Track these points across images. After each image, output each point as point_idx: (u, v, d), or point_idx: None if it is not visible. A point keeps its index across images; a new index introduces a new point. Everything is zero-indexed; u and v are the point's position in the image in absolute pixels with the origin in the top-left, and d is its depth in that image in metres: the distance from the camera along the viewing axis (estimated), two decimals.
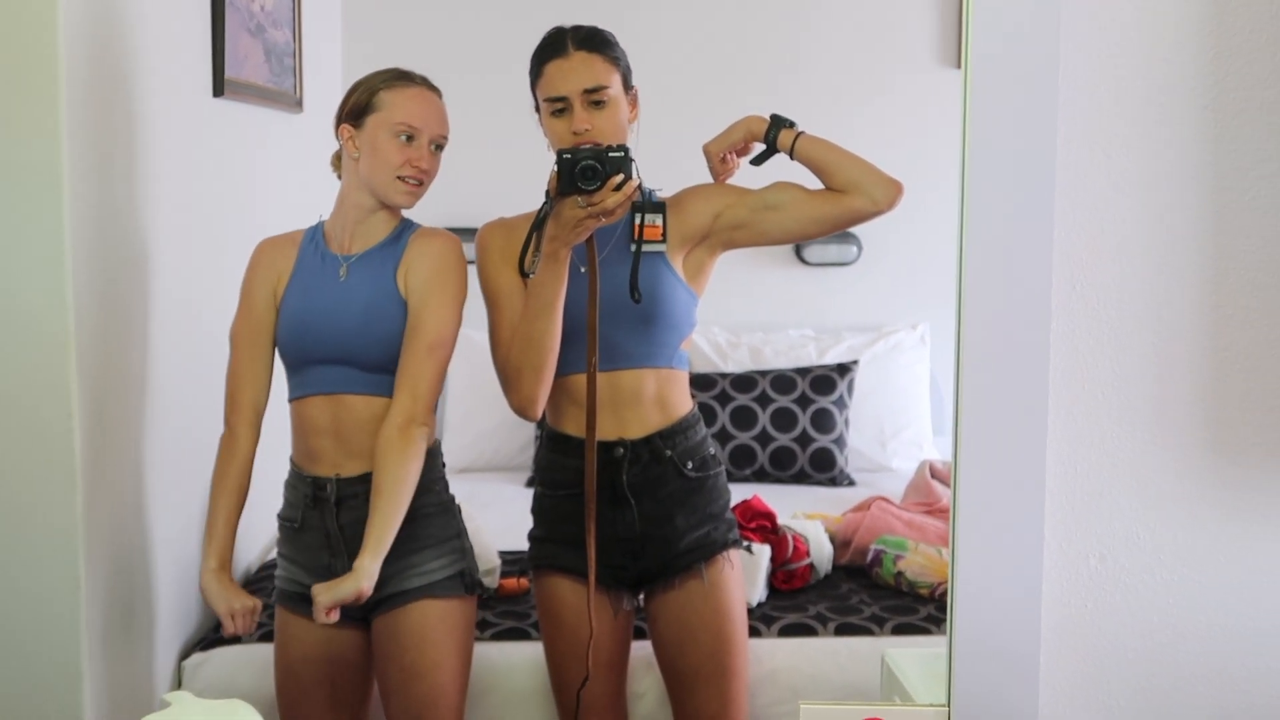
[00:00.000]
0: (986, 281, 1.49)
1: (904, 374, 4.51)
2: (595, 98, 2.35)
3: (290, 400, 2.46)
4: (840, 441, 4.23)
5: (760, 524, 3.16)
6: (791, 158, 2.41)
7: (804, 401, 4.25)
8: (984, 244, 1.48)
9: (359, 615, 2.43)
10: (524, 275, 2.35)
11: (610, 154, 2.22)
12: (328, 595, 2.26)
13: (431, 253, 2.41)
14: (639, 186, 2.26)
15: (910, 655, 1.90)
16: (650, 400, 2.45)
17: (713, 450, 2.54)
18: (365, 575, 2.27)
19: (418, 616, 2.41)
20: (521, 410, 2.40)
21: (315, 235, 2.48)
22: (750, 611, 2.96)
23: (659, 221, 2.41)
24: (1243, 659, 1.65)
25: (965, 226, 1.49)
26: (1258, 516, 1.64)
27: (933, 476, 3.61)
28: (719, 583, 2.47)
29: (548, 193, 2.27)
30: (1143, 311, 1.59)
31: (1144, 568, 1.63)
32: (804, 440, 4.20)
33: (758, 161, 2.47)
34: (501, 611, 3.03)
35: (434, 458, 2.45)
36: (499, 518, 3.46)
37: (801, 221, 2.41)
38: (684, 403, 2.50)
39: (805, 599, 3.07)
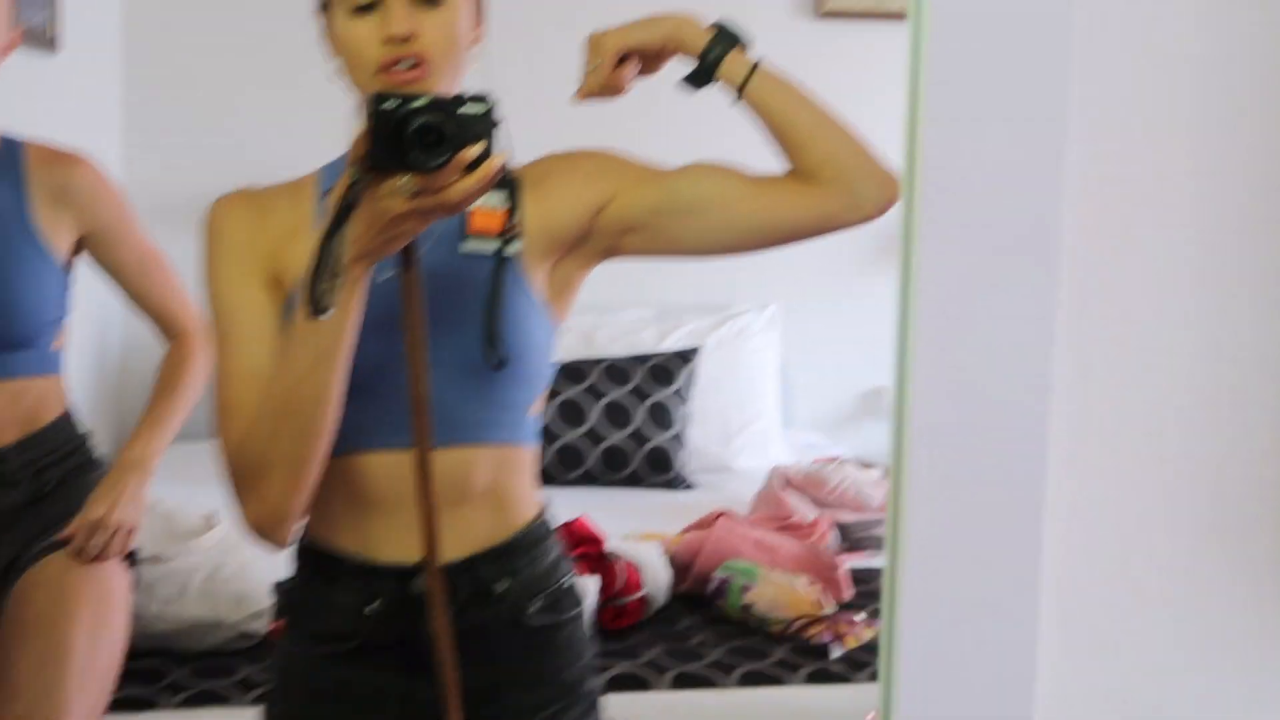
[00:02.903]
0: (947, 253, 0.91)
1: (751, 361, 4.07)
2: None
3: None
4: (679, 439, 3.77)
5: (585, 551, 2.68)
6: (739, 97, 1.53)
7: (640, 394, 3.78)
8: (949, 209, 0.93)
9: None
10: (316, 308, 1.33)
11: (464, 108, 1.30)
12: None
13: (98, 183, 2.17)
14: (505, 165, 1.35)
15: None
16: (479, 497, 1.53)
17: (567, 581, 1.61)
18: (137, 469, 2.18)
19: (56, 569, 2.12)
20: (266, 527, 1.45)
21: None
22: None
23: (505, 204, 1.47)
24: None
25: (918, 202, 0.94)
26: None
27: (785, 486, 3.18)
28: None
29: (351, 165, 1.30)
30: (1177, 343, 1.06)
31: None
32: (639, 438, 3.73)
33: (692, 84, 1.57)
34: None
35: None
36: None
37: (737, 230, 1.54)
38: (529, 502, 1.58)
39: (637, 641, 2.60)
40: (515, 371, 1.49)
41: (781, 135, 1.52)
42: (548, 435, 3.69)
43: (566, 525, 2.72)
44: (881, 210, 1.50)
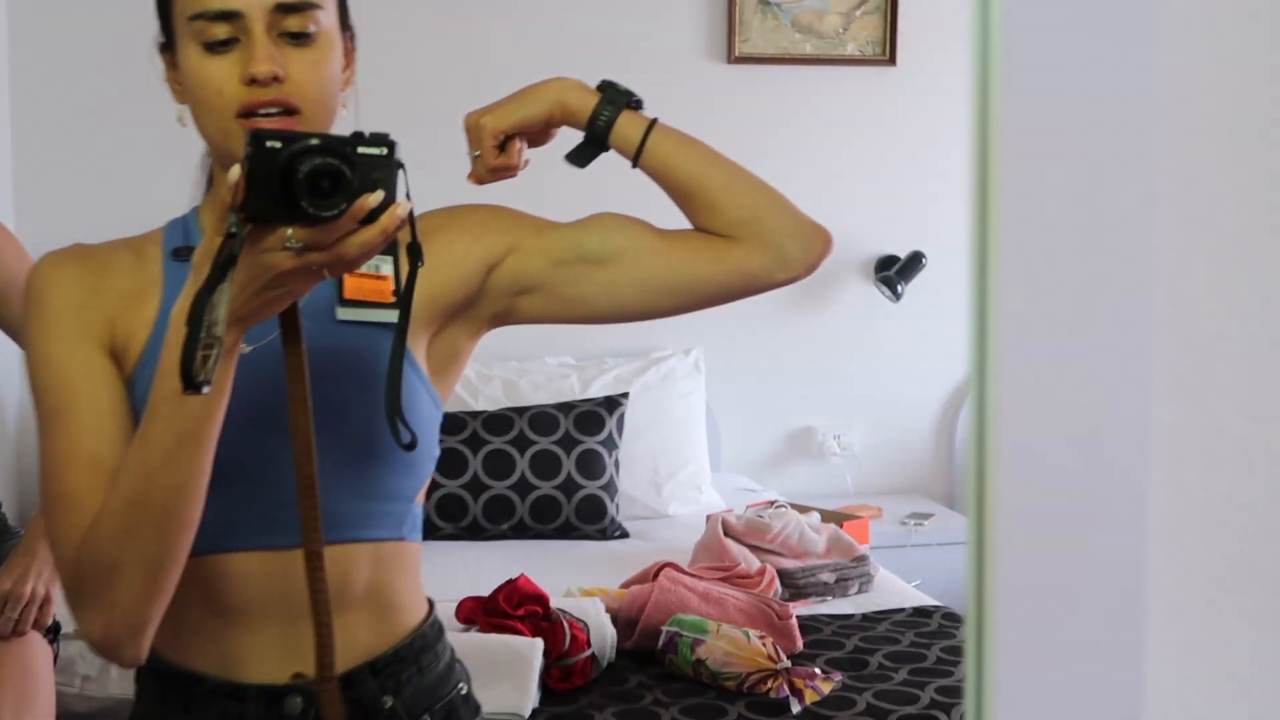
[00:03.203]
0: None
1: (678, 406, 4.00)
2: (297, 22, 1.26)
3: None
4: (610, 487, 3.69)
5: (530, 610, 2.58)
6: (635, 164, 1.39)
7: (568, 442, 3.69)
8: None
9: None
10: (190, 384, 1.08)
11: (362, 148, 1.11)
12: None
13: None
14: (411, 216, 1.17)
15: None
16: (359, 602, 1.34)
17: (463, 687, 1.45)
18: None
19: None
20: (115, 640, 1.22)
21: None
22: None
23: (388, 269, 1.33)
24: None
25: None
26: None
27: (726, 535, 3.10)
28: None
29: (228, 213, 1.09)
30: None
31: None
32: (569, 488, 3.64)
33: (577, 161, 1.43)
34: None
35: None
36: None
37: (649, 289, 1.37)
38: (416, 604, 1.42)
39: (588, 703, 2.50)
40: (403, 457, 1.30)
41: (689, 197, 1.37)
42: (476, 486, 3.59)
43: (510, 583, 2.62)
44: (812, 267, 1.37)
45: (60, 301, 1.28)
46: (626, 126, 1.37)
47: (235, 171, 1.07)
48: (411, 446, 1.21)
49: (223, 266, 1.08)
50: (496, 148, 1.39)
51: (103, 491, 1.20)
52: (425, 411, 1.35)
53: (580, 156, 1.42)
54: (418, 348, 1.37)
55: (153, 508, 1.17)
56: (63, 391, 1.25)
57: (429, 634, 1.41)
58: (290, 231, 1.08)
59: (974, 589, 0.73)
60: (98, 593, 1.19)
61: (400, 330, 1.20)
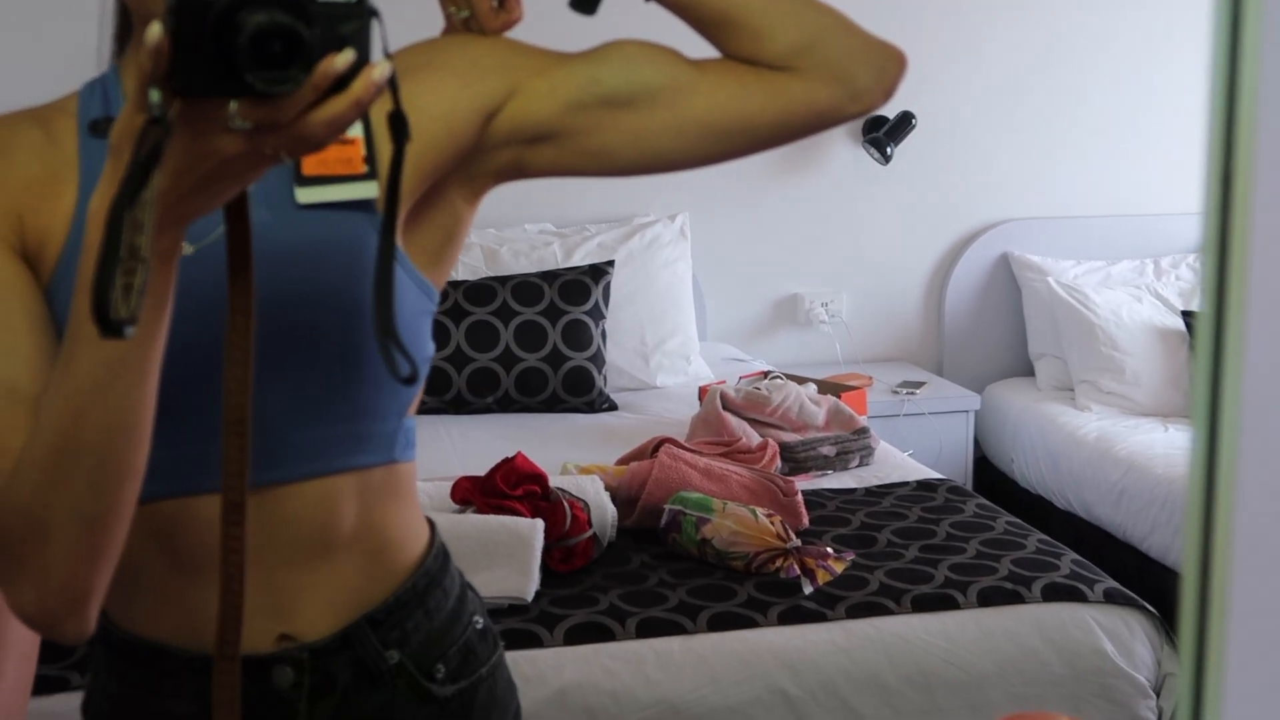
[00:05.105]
0: None
1: (664, 274, 3.88)
2: None
3: None
4: (598, 358, 3.58)
5: (529, 490, 2.48)
6: None
7: (553, 312, 3.56)
8: None
9: None
10: (107, 325, 0.78)
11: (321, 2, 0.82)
12: None
13: None
14: (393, 80, 0.84)
15: None
16: (348, 544, 1.13)
17: (479, 620, 1.24)
18: None
19: None
20: (52, 613, 0.97)
21: None
22: (525, 609, 2.29)
23: (356, 131, 0.99)
24: None
25: None
26: None
27: (725, 408, 3.00)
28: None
29: (147, 89, 0.79)
30: None
31: None
32: (555, 359, 3.53)
33: (583, 5, 1.16)
34: None
35: None
36: None
37: (688, 135, 1.10)
38: (415, 533, 1.20)
39: (591, 585, 2.42)
40: (377, 366, 1.02)
41: (726, 27, 1.09)
42: (459, 359, 3.48)
43: (507, 461, 2.52)
44: (889, 94, 1.12)
45: None
46: None
47: (155, 31, 0.77)
48: (412, 379, 0.91)
49: (144, 166, 0.80)
50: (494, 3, 1.13)
51: (24, 431, 0.95)
52: (408, 306, 1.10)
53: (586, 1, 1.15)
54: (400, 223, 1.10)
55: (84, 453, 0.91)
56: None
57: (433, 567, 1.19)
58: (234, 106, 0.80)
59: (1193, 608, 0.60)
60: (24, 556, 0.95)
61: (387, 225, 0.90)
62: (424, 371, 1.11)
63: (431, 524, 1.24)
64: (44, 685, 2.02)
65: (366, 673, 1.14)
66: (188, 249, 0.99)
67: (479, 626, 1.23)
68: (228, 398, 0.93)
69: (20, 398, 0.96)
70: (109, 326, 0.79)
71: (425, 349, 1.14)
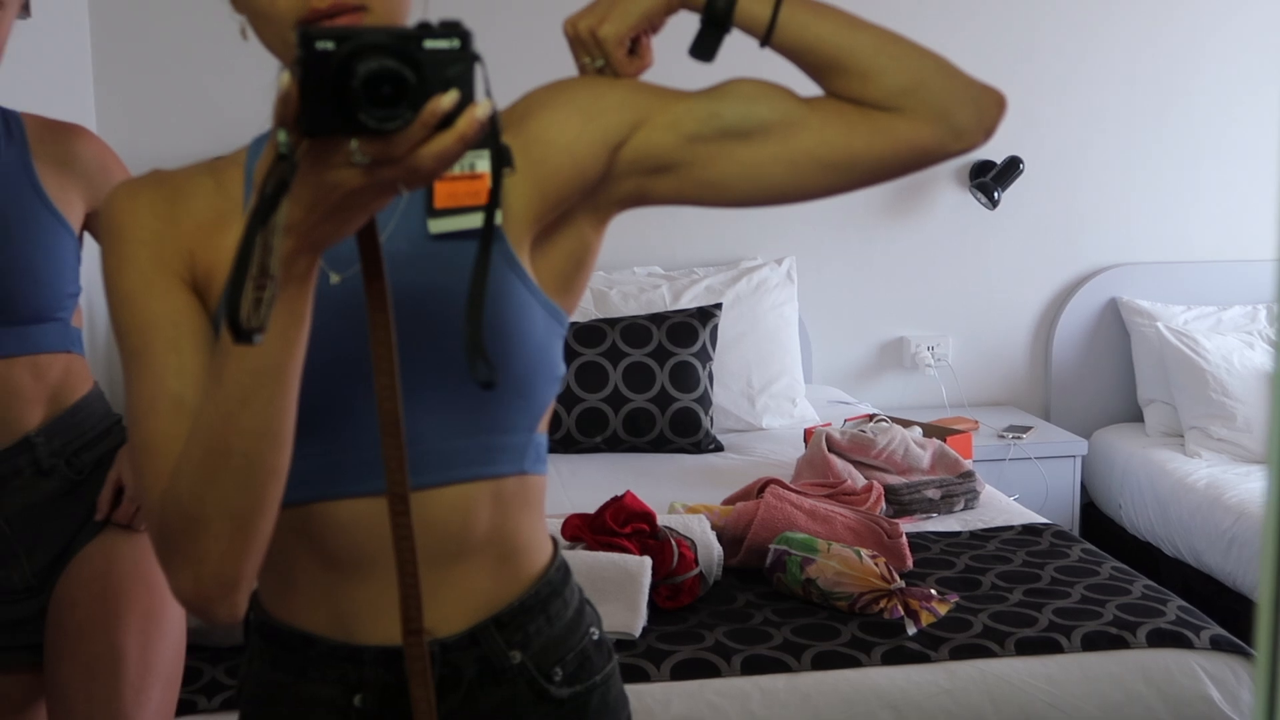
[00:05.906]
0: None
1: (771, 317, 3.93)
2: None
3: None
4: (705, 400, 3.64)
5: (637, 528, 2.54)
6: (766, 43, 1.20)
7: (661, 354, 3.63)
8: None
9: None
10: (240, 333, 0.93)
11: (429, 44, 0.93)
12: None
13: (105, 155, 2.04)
14: (494, 117, 0.96)
15: None
16: (480, 549, 1.22)
17: (594, 632, 1.32)
18: None
19: (99, 565, 1.96)
20: (206, 597, 1.09)
21: None
22: (633, 645, 2.35)
23: (484, 166, 1.13)
24: None
25: None
26: None
27: (830, 450, 3.04)
28: None
29: (280, 132, 0.93)
30: None
31: None
32: (663, 400, 3.59)
33: (702, 53, 1.25)
34: None
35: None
36: None
37: (800, 167, 1.18)
38: (541, 544, 1.28)
39: (697, 622, 2.47)
40: (516, 384, 1.17)
41: (835, 71, 1.17)
42: (569, 399, 3.56)
43: (617, 500, 2.58)
44: (989, 133, 1.19)
45: (135, 234, 1.16)
46: (751, 2, 1.18)
47: (284, 80, 0.90)
48: (490, 385, 0.98)
49: (273, 195, 0.92)
50: (622, 50, 1.22)
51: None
52: (539, 329, 1.17)
53: (705, 47, 1.23)
54: (522, 254, 1.19)
55: (233, 455, 1.04)
56: (142, 331, 1.13)
57: (555, 578, 1.28)
58: (354, 144, 0.92)
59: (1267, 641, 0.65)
60: (183, 546, 1.07)
61: (484, 246, 0.99)
62: (557, 390, 1.23)
63: (555, 540, 1.33)
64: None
65: (491, 670, 1.23)
66: (334, 278, 1.13)
67: (595, 637, 1.31)
68: (381, 405, 1.05)
69: (186, 412, 1.09)
70: (240, 333, 0.91)
71: (557, 369, 1.22)
